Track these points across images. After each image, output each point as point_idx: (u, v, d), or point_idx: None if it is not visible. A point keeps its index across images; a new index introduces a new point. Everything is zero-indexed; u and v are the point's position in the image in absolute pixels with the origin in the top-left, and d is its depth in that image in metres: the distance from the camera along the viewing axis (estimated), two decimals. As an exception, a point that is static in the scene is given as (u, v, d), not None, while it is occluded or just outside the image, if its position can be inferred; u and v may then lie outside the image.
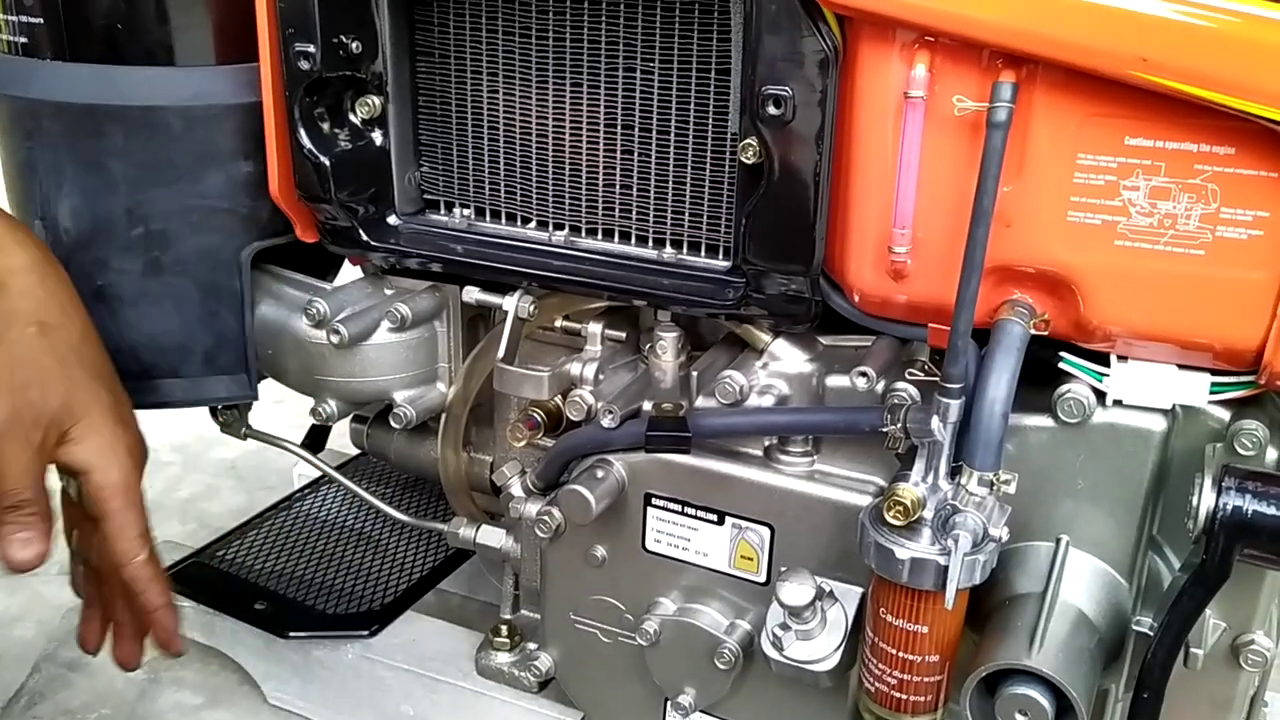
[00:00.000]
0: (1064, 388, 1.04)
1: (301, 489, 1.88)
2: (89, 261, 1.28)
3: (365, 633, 1.50)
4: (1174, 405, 1.03)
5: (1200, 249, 0.94)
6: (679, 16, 1.10)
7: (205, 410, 1.53)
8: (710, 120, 1.13)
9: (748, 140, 1.04)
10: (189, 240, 1.29)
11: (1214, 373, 1.00)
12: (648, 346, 1.25)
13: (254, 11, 1.19)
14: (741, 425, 1.16)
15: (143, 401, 1.36)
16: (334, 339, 1.28)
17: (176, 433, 2.51)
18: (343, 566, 1.65)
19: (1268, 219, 0.91)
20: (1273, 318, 0.93)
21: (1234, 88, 0.85)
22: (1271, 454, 1.01)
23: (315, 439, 1.68)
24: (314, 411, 1.37)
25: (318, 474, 1.76)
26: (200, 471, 2.38)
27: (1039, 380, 1.06)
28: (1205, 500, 0.93)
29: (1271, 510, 0.92)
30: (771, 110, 1.01)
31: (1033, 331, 1.00)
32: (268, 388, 1.44)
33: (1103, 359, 1.04)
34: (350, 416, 1.62)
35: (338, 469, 1.68)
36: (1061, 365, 1.05)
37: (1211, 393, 1.00)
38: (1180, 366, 1.01)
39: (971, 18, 0.90)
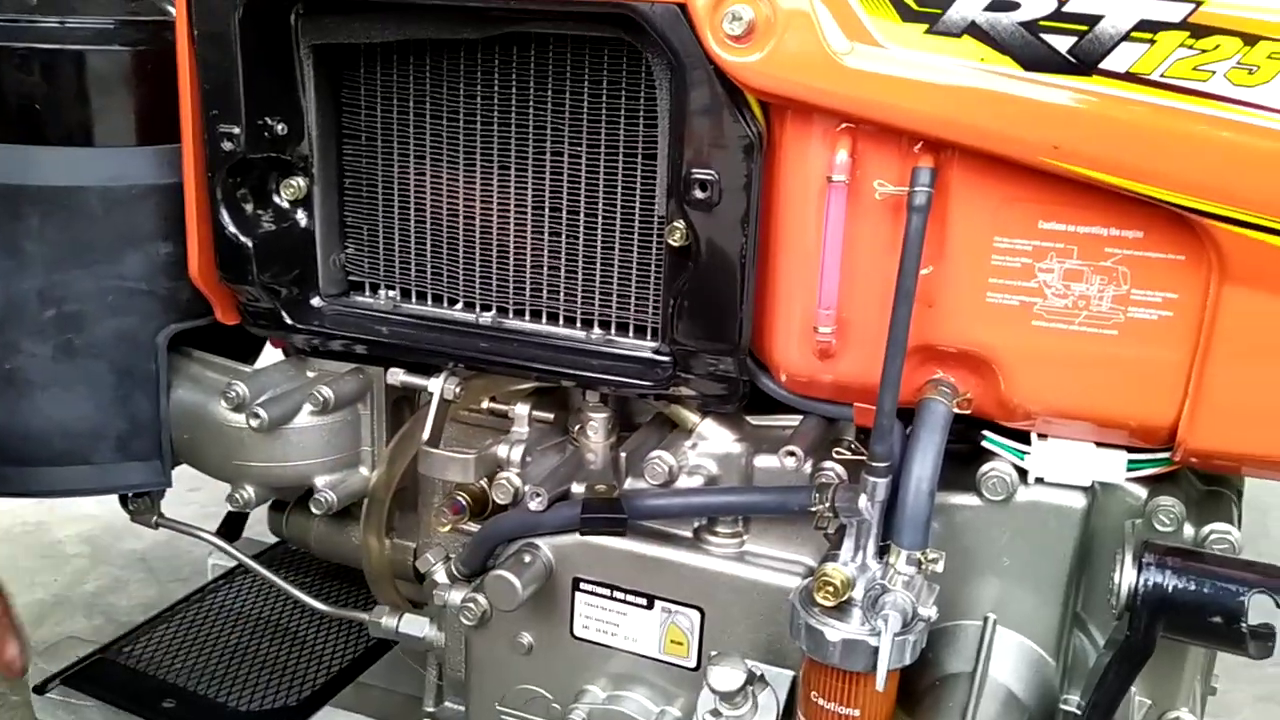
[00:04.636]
0: (987, 466, 1.05)
1: (215, 580, 1.81)
2: (-3, 344, 1.24)
3: (281, 730, 1.44)
4: (1093, 483, 1.04)
5: (1113, 329, 0.96)
6: (606, 101, 1.12)
7: (115, 498, 1.48)
8: (638, 203, 1.14)
9: (675, 223, 1.05)
10: (105, 322, 1.26)
11: (1131, 450, 1.03)
12: (576, 428, 1.24)
13: (176, 92, 1.18)
14: (674, 507, 1.15)
15: (50, 490, 1.32)
16: (253, 423, 1.25)
17: (84, 523, 2.42)
18: (258, 660, 1.59)
19: (1177, 300, 0.94)
20: (1184, 396, 0.96)
21: (1141, 174, 0.89)
22: (1189, 530, 1.04)
23: (231, 527, 1.62)
24: (230, 498, 1.33)
25: (233, 564, 1.71)
26: (108, 564, 2.29)
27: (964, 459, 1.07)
28: (1126, 577, 0.95)
29: (1191, 586, 0.94)
30: (698, 194, 1.03)
31: (956, 410, 1.02)
32: (183, 474, 1.40)
33: (1025, 437, 1.05)
34: (269, 503, 1.58)
35: (254, 558, 1.63)
36: (984, 444, 1.06)
37: (1129, 470, 1.02)
38: (1098, 444, 1.03)
39: (890, 105, 0.93)
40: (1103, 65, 0.87)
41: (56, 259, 1.22)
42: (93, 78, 1.22)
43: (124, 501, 1.48)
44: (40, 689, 1.55)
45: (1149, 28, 0.85)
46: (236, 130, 1.17)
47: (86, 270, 1.23)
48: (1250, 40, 0.83)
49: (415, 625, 1.35)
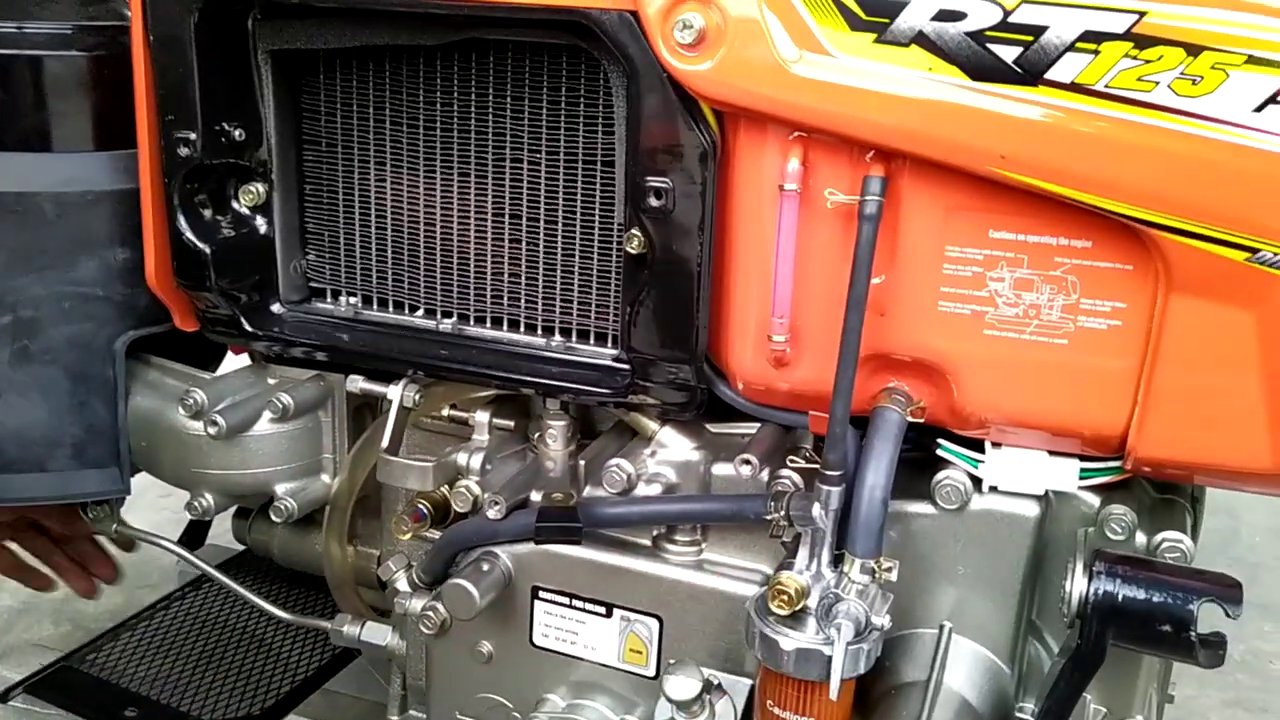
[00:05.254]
0: (941, 474, 1.05)
1: (182, 588, 1.80)
2: (-49, 351, 1.23)
3: (244, 738, 1.44)
4: (1046, 491, 1.05)
5: (1063, 338, 0.96)
6: (564, 110, 1.12)
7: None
8: (597, 210, 1.14)
9: (632, 230, 1.05)
10: (60, 328, 1.25)
11: (1083, 458, 1.03)
12: (536, 435, 1.24)
13: (133, 97, 1.18)
14: (631, 515, 1.15)
15: (5, 497, 1.31)
16: (211, 430, 1.25)
17: (54, 529, 2.41)
18: (223, 668, 1.58)
19: (1125, 310, 0.94)
20: (1134, 404, 0.96)
21: (1087, 184, 0.89)
22: (1141, 538, 1.04)
23: (193, 534, 1.62)
24: (189, 505, 1.33)
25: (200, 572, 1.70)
26: (77, 570, 2.27)
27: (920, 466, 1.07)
28: (1077, 585, 0.95)
29: (1141, 594, 0.94)
30: (653, 201, 1.03)
31: (910, 418, 1.02)
32: (154, 481, 1.39)
33: (979, 445, 1.06)
34: (234, 511, 1.57)
35: (221, 565, 1.62)
36: (939, 452, 1.06)
37: (1081, 478, 1.03)
38: (1051, 453, 1.03)
39: (839, 113, 0.93)
40: (1048, 75, 0.87)
41: (11, 264, 1.21)
42: (49, 83, 1.21)
43: (83, 509, 1.47)
44: (3, 697, 1.54)
45: (1093, 38, 0.85)
46: (193, 136, 1.16)
47: (42, 276, 1.22)
48: (1193, 51, 0.84)
49: (377, 633, 1.34)
